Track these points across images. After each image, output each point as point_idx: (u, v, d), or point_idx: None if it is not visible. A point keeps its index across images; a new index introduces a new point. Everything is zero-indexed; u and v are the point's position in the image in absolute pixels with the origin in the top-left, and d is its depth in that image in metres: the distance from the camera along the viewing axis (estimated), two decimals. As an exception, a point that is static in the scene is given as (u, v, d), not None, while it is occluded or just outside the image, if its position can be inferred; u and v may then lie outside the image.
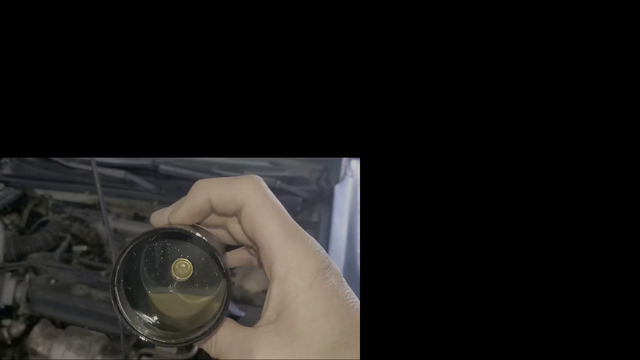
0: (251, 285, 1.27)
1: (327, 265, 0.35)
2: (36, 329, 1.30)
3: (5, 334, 1.31)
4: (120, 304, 0.35)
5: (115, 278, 0.35)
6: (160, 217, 0.38)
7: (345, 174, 1.52)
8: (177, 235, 0.37)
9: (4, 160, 1.71)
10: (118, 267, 0.35)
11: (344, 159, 1.53)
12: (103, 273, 1.38)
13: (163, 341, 0.35)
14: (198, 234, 0.35)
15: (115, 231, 1.53)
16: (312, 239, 0.36)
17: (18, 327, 1.32)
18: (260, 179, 0.37)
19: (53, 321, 1.33)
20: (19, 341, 1.33)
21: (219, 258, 0.35)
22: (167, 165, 1.53)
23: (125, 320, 0.35)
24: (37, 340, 1.28)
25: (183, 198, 0.37)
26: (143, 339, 0.35)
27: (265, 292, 0.35)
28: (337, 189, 1.46)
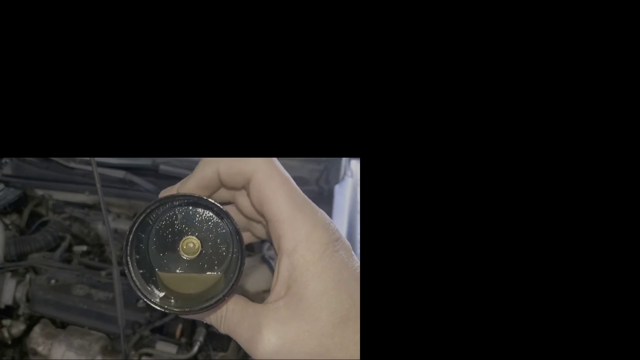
0: (251, 285, 1.27)
1: (336, 238, 0.34)
2: (36, 329, 1.30)
3: (5, 334, 1.31)
4: (133, 274, 0.35)
5: (128, 248, 0.35)
6: (169, 194, 0.37)
7: (345, 174, 1.52)
8: (188, 203, 0.37)
9: (4, 160, 1.71)
10: (131, 236, 0.35)
11: (344, 159, 1.53)
12: (103, 273, 1.38)
13: (176, 309, 0.35)
14: (210, 199, 0.35)
15: (115, 231, 1.53)
16: (321, 212, 0.35)
17: (18, 327, 1.32)
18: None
19: (53, 321, 1.33)
20: (19, 341, 1.33)
21: (231, 221, 0.35)
22: (167, 165, 1.53)
23: (138, 289, 0.35)
24: (37, 340, 1.28)
25: (190, 174, 0.37)
26: (157, 307, 0.35)
27: (265, 292, 0.35)
28: (337, 189, 1.46)
